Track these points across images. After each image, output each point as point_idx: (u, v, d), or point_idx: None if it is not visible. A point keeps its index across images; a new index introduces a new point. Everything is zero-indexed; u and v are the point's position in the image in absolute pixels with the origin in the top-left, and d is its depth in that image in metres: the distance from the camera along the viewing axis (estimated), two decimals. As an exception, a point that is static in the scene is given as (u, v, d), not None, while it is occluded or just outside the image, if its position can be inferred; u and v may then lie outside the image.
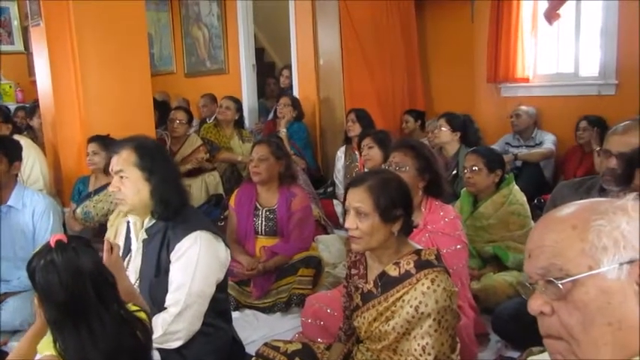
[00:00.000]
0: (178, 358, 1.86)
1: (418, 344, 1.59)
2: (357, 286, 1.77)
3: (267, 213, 2.99)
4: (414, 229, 1.77)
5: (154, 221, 1.92)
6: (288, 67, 5.45)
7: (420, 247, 1.73)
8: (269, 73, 6.63)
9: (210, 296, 1.90)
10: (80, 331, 1.30)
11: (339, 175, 4.18)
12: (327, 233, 3.65)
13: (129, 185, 1.86)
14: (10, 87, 7.53)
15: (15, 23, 8.08)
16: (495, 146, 4.00)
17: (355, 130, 4.02)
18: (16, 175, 2.84)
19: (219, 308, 2.00)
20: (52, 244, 1.35)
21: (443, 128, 3.63)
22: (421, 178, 2.18)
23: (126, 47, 3.76)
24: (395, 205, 1.62)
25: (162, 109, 4.53)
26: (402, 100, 5.01)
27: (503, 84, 4.64)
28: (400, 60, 4.97)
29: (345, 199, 1.71)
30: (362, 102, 4.42)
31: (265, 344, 1.97)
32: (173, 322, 1.81)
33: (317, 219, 3.64)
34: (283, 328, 2.59)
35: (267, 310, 2.77)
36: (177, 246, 1.84)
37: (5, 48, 8.02)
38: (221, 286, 1.98)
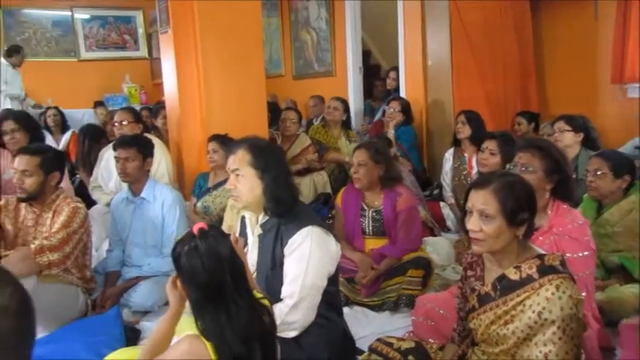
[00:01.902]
0: (295, 347, 1.95)
1: (540, 351, 1.54)
2: (474, 288, 1.75)
3: (374, 214, 3.00)
4: (538, 231, 1.72)
5: (267, 217, 2.02)
6: (395, 68, 5.45)
7: (543, 252, 1.68)
8: (375, 75, 6.67)
9: (323, 289, 1.97)
10: (219, 313, 1.42)
11: (446, 177, 4.12)
12: (434, 235, 3.62)
13: (244, 183, 1.97)
14: (136, 90, 8.21)
15: (140, 31, 8.79)
16: (622, 150, 3.74)
17: (465, 132, 3.94)
18: (148, 171, 3.11)
19: (331, 301, 2.07)
20: (195, 232, 1.48)
21: (565, 130, 3.45)
22: (549, 179, 2.10)
23: (244, 53, 3.99)
24: (521, 209, 1.59)
25: (272, 110, 4.73)
26: (515, 101, 4.84)
27: (630, 84, 4.33)
28: (513, 61, 4.82)
29: (465, 200, 1.70)
30: (471, 103, 4.32)
31: (379, 340, 2.01)
32: (289, 313, 1.89)
33: (424, 221, 3.62)
34: (392, 326, 2.61)
35: (376, 308, 2.81)
36: (291, 241, 1.93)
37: (131, 54, 8.76)
38: (333, 280, 2.05)
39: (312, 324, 1.97)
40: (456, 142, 4.07)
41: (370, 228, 3.02)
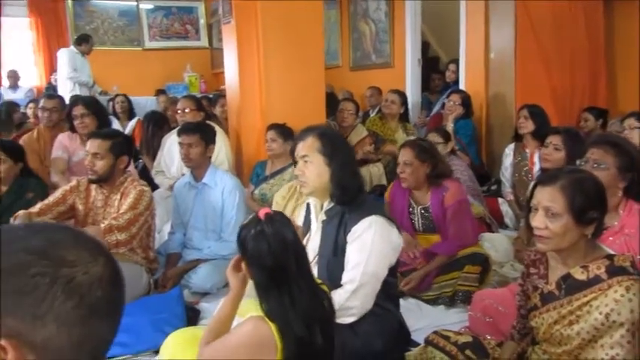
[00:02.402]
0: (350, 333, 1.97)
1: (607, 354, 1.50)
2: (536, 286, 1.72)
3: (422, 211, 2.97)
4: (608, 231, 1.67)
5: (332, 204, 2.04)
6: (455, 61, 5.35)
7: (612, 252, 1.62)
8: (433, 67, 6.58)
9: (383, 278, 1.98)
10: (282, 296, 1.46)
11: (505, 172, 4.02)
12: (492, 232, 3.55)
13: (312, 169, 2.00)
14: (196, 78, 8.42)
15: (202, 21, 9.00)
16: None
17: (528, 127, 3.83)
18: (210, 157, 3.20)
19: (389, 291, 2.08)
20: (262, 216, 1.52)
21: (636, 127, 3.30)
22: (622, 177, 2.02)
23: (305, 44, 4.02)
24: (590, 207, 1.54)
25: (330, 100, 4.74)
26: (582, 97, 4.68)
27: None
28: (582, 57, 4.68)
29: (531, 196, 1.66)
30: (535, 98, 4.19)
31: (435, 332, 2.00)
32: (348, 299, 1.92)
33: (482, 216, 3.56)
34: (448, 320, 2.59)
35: (431, 302, 2.79)
36: (354, 228, 1.95)
37: (192, 43, 8.99)
38: (392, 270, 2.06)
39: (369, 312, 1.99)
40: (517, 137, 3.97)
41: (420, 225, 2.99)
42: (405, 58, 5.99)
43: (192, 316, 2.61)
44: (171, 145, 4.12)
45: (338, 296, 1.92)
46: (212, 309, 2.72)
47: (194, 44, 8.99)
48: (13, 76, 7.78)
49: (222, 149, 3.88)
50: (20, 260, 0.69)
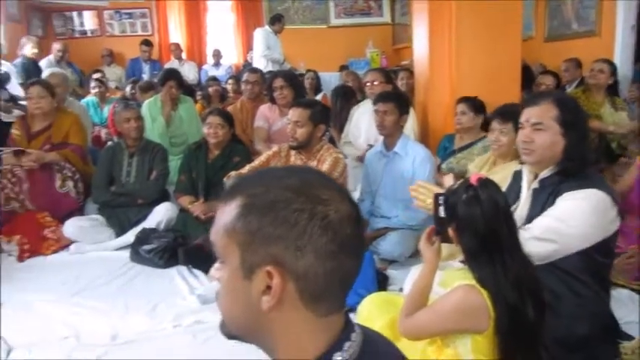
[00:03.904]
0: (553, 315, 1.84)
1: None
2: None
3: None
4: None
5: (549, 173, 1.89)
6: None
7: None
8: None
9: (577, 249, 1.78)
10: (494, 263, 1.41)
11: None
12: None
13: (545, 138, 1.84)
14: (377, 54, 8.51)
15: (386, -4, 9.03)
16: None
17: None
18: (402, 127, 3.22)
19: (601, 274, 1.89)
20: (474, 181, 1.48)
21: None
22: None
23: (500, 18, 3.81)
24: None
25: (525, 74, 4.43)
26: None
27: None
28: None
29: None
30: None
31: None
32: (527, 241, 1.62)
33: None
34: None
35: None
36: (566, 194, 1.79)
37: (375, 20, 9.08)
38: (607, 252, 1.87)
39: (575, 294, 1.84)
40: None
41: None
42: (614, 24, 5.32)
43: (381, 280, 2.68)
44: (359, 117, 4.24)
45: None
46: (400, 277, 2.78)
47: (377, 20, 9.08)
48: (217, 55, 8.64)
49: (408, 121, 3.86)
50: (283, 196, 0.75)
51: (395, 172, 3.17)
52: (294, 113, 3.04)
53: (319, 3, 8.94)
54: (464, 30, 3.83)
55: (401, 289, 2.57)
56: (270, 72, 5.93)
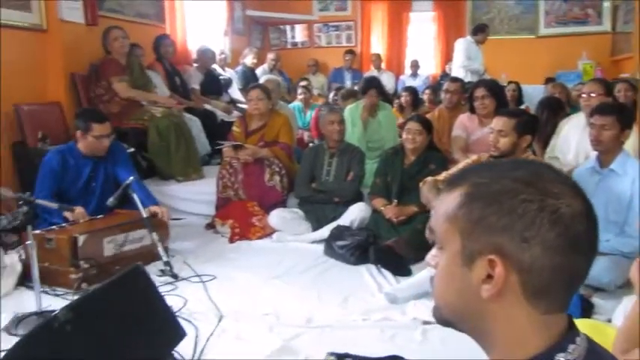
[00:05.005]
0: None
1: None
2: None
3: None
4: None
5: None
6: None
7: None
8: None
9: None
10: None
11: None
12: None
13: None
14: (591, 66, 7.78)
15: (606, 4, 8.19)
16: None
17: None
18: (623, 143, 2.90)
19: None
20: None
21: None
22: None
23: None
24: None
25: None
26: None
27: None
28: None
29: None
30: None
31: None
32: None
33: None
34: None
35: None
36: None
37: (591, 28, 8.30)
38: None
39: None
40: None
41: None
42: None
43: (586, 308, 2.44)
44: (570, 130, 3.92)
45: None
46: (607, 306, 2.51)
47: (593, 29, 8.28)
48: (414, 66, 8.74)
49: (631, 137, 3.46)
50: (510, 186, 0.74)
51: (609, 191, 2.86)
52: (497, 122, 2.95)
53: (528, 12, 8.48)
54: None
55: (609, 320, 2.31)
56: (469, 83, 5.81)
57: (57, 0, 4.37)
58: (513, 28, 8.57)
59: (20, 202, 2.43)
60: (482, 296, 0.74)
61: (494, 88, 4.10)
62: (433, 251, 0.87)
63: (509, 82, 6.50)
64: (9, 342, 2.06)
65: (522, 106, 5.98)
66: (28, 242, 2.42)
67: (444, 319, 0.84)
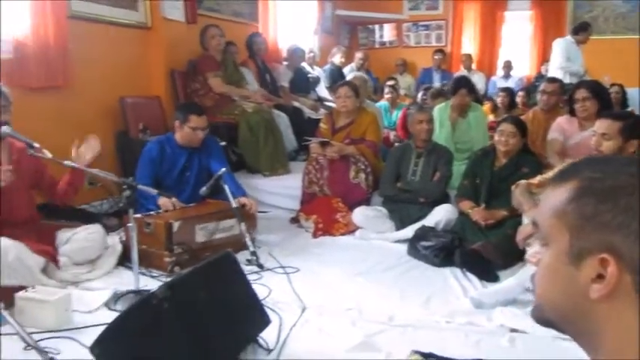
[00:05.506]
0: None
1: None
2: None
3: None
4: None
5: None
6: None
7: None
8: None
9: None
10: None
11: None
12: None
13: None
14: None
15: None
16: None
17: None
18: None
19: None
20: None
21: None
22: None
23: None
24: None
25: None
26: None
27: None
28: None
29: None
30: None
31: None
32: None
33: None
34: None
35: None
36: None
37: None
38: None
39: None
40: None
41: None
42: None
43: None
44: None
45: None
46: None
47: None
48: (507, 66, 8.42)
49: None
50: (627, 182, 0.70)
51: None
52: (601, 125, 2.78)
53: (635, 10, 7.89)
54: None
55: None
56: (569, 84, 5.51)
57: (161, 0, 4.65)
58: (619, 28, 8.02)
59: (124, 187, 2.60)
60: (591, 296, 0.71)
61: (596, 90, 3.86)
62: (537, 247, 0.84)
63: (613, 85, 6.10)
64: (109, 317, 2.22)
65: (627, 109, 5.60)
66: (130, 224, 2.58)
67: (545, 318, 0.81)
